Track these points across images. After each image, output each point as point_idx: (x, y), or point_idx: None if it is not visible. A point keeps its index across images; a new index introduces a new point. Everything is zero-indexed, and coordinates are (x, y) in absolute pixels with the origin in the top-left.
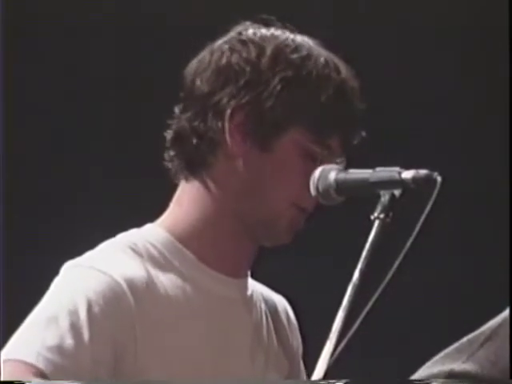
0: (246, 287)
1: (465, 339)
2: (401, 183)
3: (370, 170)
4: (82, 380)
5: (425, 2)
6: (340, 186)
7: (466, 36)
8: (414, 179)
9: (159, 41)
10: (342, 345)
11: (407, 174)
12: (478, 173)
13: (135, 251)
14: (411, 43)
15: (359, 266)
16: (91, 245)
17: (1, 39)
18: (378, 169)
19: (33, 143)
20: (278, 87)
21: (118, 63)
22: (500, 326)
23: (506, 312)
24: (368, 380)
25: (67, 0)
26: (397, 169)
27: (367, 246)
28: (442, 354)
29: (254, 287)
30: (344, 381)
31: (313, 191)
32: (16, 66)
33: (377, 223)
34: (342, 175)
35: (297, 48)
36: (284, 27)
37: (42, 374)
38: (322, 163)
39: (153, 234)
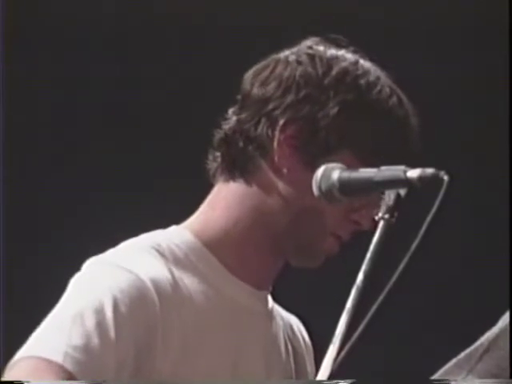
0: (267, 300)
1: (463, 354)
2: (406, 182)
3: (374, 169)
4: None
5: (425, 1)
6: (343, 185)
7: (465, 35)
8: (421, 178)
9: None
10: (346, 349)
11: (413, 173)
12: (477, 173)
13: (159, 252)
14: (411, 43)
15: (363, 267)
16: (91, 253)
17: (1, 39)
18: (382, 168)
19: (33, 148)
20: (336, 108)
21: (119, 67)
22: (498, 336)
23: (504, 321)
24: (375, 380)
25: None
26: (402, 168)
27: (371, 247)
28: (441, 370)
29: (273, 303)
30: (350, 381)
31: (315, 191)
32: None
33: (381, 224)
34: (346, 174)
35: (364, 73)
36: (355, 51)
37: (68, 374)
38: None
39: (178, 235)
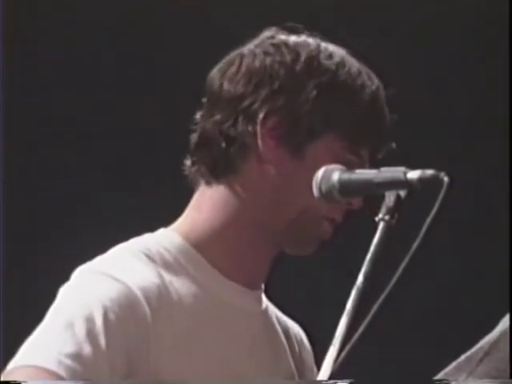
0: (260, 299)
1: (463, 356)
2: (406, 184)
3: (374, 170)
4: None
5: (425, 1)
6: (343, 186)
7: (465, 35)
8: (421, 180)
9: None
10: (346, 350)
11: (413, 175)
12: (477, 173)
13: (149, 256)
14: (411, 43)
15: (363, 269)
16: (91, 255)
17: (1, 39)
18: (382, 169)
19: (33, 148)
20: (314, 93)
21: (119, 67)
22: (498, 339)
23: (504, 324)
24: (375, 381)
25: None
26: (402, 169)
27: (371, 248)
28: (441, 373)
29: (268, 303)
30: (348, 381)
31: (316, 192)
32: (15, 76)
33: (381, 225)
34: (346, 175)
35: (330, 55)
36: (313, 36)
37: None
38: None
39: (167, 239)
